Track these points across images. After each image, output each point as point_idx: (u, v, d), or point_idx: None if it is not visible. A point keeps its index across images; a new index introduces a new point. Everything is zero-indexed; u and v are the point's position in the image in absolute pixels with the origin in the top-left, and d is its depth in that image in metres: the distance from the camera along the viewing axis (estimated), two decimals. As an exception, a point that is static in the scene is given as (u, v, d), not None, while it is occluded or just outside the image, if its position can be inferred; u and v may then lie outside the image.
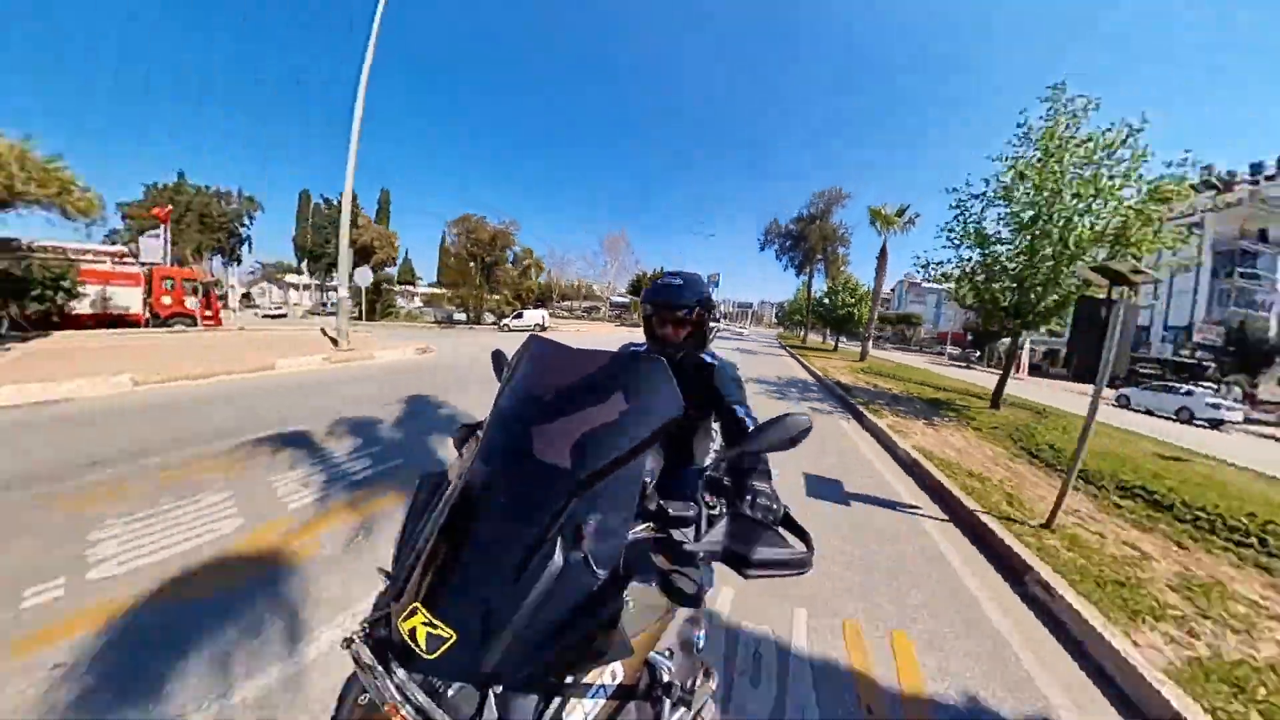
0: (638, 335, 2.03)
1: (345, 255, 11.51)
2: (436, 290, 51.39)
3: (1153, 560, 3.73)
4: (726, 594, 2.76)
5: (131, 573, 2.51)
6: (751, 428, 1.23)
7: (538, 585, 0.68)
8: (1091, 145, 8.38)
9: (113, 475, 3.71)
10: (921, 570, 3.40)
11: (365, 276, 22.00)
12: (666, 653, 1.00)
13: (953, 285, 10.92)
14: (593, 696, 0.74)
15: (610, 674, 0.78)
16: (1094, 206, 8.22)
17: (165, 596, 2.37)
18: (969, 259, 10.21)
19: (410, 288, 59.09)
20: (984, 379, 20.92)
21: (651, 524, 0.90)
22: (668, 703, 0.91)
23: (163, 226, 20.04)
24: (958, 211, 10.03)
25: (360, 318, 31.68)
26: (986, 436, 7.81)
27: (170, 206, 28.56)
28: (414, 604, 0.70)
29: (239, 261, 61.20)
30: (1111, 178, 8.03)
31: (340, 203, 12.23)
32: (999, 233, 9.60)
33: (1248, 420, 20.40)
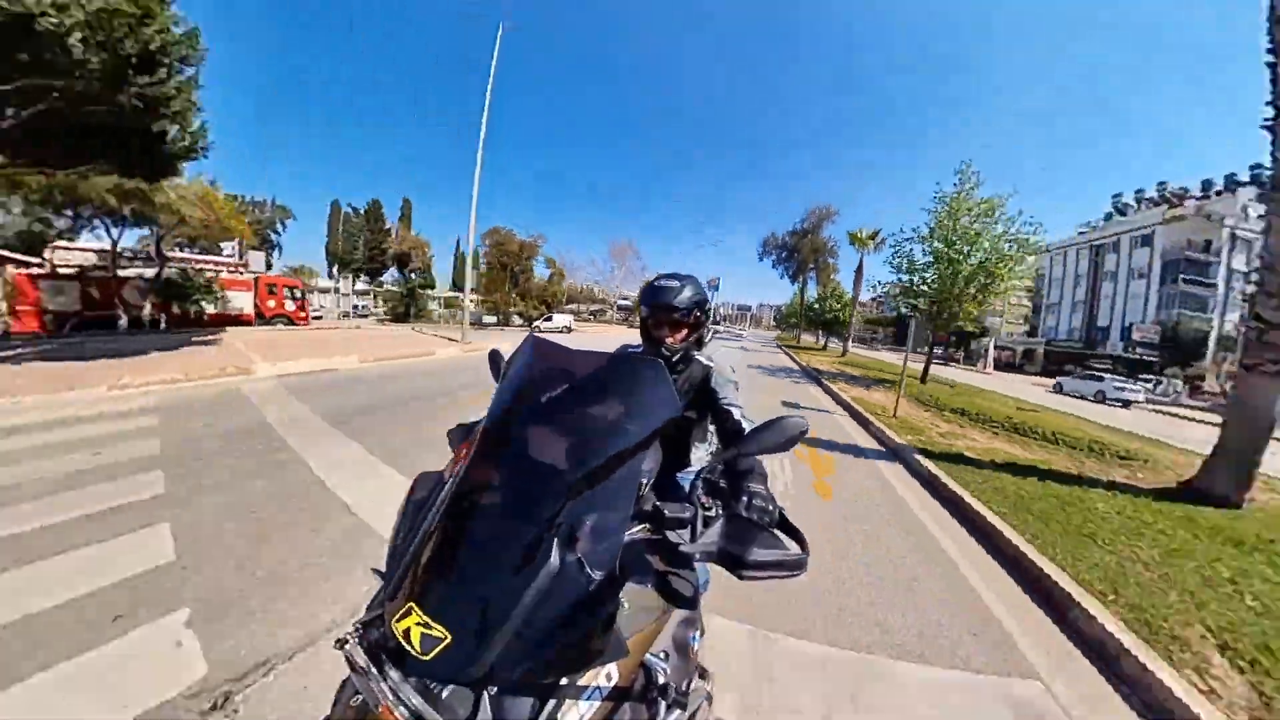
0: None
1: (469, 275, 16.09)
2: (451, 294, 55.73)
3: (938, 426, 8.29)
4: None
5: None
6: (747, 430, 1.16)
7: (533, 586, 0.68)
8: (974, 210, 12.87)
9: (409, 407, 7.44)
10: (829, 425, 8.07)
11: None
12: (662, 654, 0.95)
13: (894, 297, 15.46)
14: (588, 698, 0.73)
15: (606, 675, 0.76)
16: (971, 251, 12.72)
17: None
18: (904, 280, 14.71)
19: (430, 291, 63.64)
20: (940, 370, 25.48)
21: (647, 525, 0.90)
22: (663, 704, 0.87)
23: (240, 240, 24.57)
24: (895, 249, 14.55)
25: (400, 319, 36.28)
26: (908, 397, 12.27)
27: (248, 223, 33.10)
28: (409, 604, 0.70)
29: (269, 267, 65.88)
30: (978, 233, 12.53)
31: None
32: (924, 264, 14.10)
33: (1149, 400, 25.22)
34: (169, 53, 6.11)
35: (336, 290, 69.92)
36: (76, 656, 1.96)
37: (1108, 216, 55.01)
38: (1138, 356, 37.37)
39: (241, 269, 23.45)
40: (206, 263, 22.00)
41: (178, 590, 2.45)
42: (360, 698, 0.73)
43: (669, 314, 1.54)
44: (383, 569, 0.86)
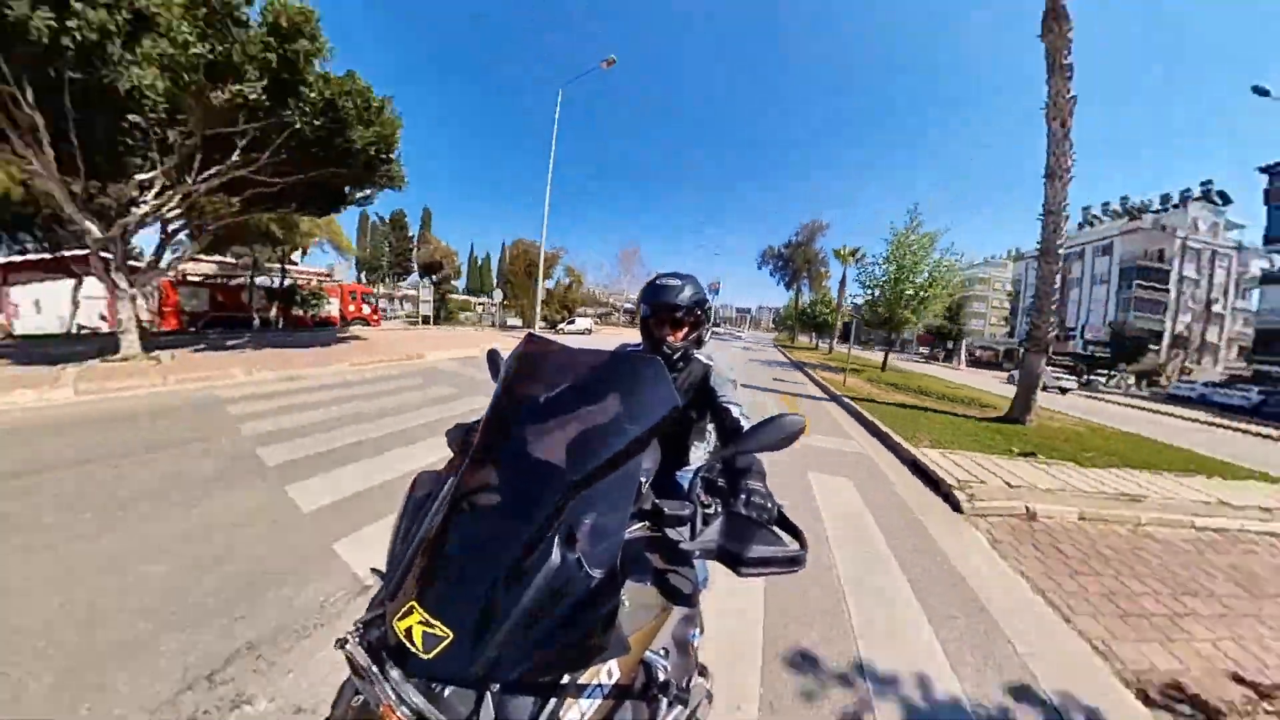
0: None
1: (540, 288, 20.37)
2: (465, 297, 59.92)
3: (870, 390, 12.59)
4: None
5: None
6: (746, 427, 1.19)
7: (534, 584, 0.68)
8: (916, 243, 17.14)
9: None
10: (801, 389, 12.33)
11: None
12: (662, 651, 0.94)
13: (863, 307, 19.78)
14: (589, 696, 0.73)
15: (607, 673, 0.76)
16: (911, 275, 17.00)
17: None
18: (868, 293, 19.00)
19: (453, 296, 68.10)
20: (919, 366, 29.73)
21: (647, 523, 0.90)
22: (664, 701, 0.87)
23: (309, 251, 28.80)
24: (860, 270, 18.87)
25: (428, 321, 40.55)
26: (865, 379, 16.55)
27: (317, 238, 37.42)
28: (410, 603, 0.70)
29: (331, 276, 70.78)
30: (917, 261, 16.80)
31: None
32: (879, 282, 18.38)
33: (1081, 387, 29.95)
34: (396, 140, 10.03)
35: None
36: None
37: (1080, 226, 59.42)
38: (1090, 353, 41.77)
39: (327, 278, 27.86)
40: (305, 273, 26.42)
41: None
42: (361, 698, 0.75)
43: (670, 313, 1.53)
44: (383, 568, 0.86)
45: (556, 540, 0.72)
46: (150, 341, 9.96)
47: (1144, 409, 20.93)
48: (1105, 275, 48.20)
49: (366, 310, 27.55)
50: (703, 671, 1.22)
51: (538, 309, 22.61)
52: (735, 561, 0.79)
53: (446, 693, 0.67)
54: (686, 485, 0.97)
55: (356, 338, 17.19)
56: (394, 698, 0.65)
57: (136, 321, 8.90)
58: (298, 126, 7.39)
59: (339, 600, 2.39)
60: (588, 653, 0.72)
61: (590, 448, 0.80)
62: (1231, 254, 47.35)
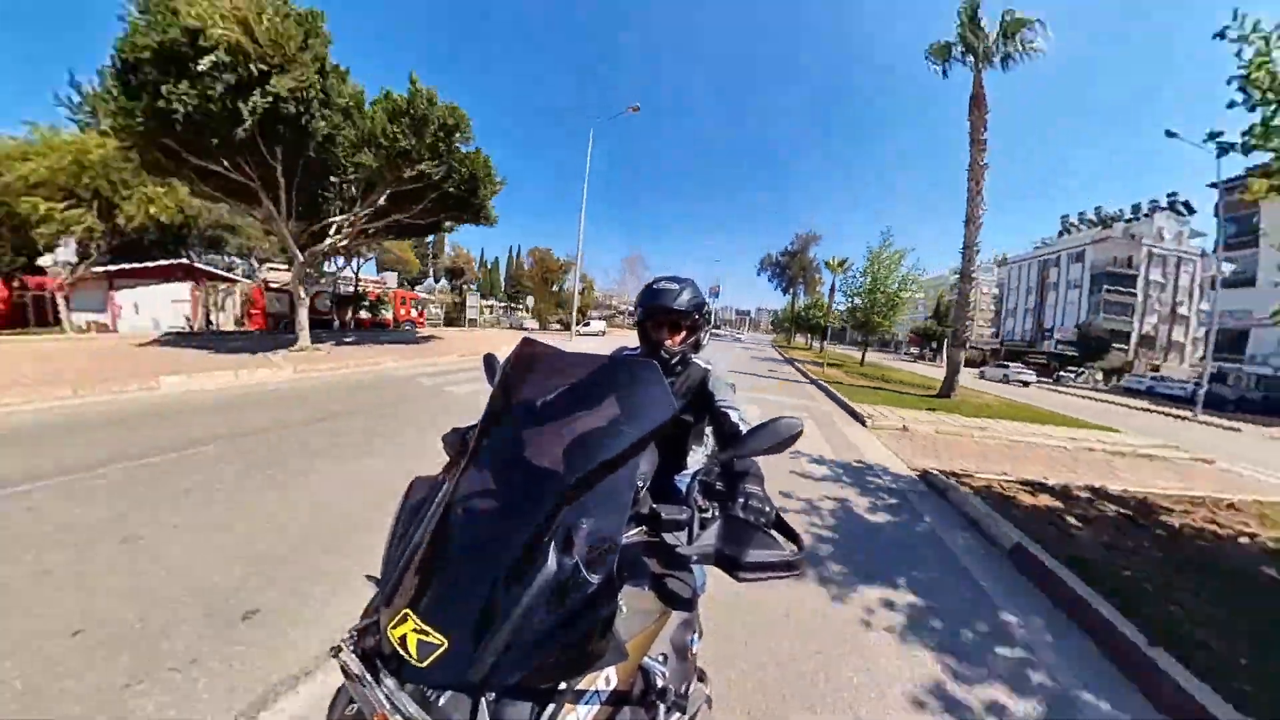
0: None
1: (576, 300, 23.92)
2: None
3: (841, 376, 16.13)
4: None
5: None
6: (744, 431, 1.20)
7: (530, 590, 0.67)
8: (889, 259, 20.71)
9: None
10: (789, 376, 15.99)
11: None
12: (660, 657, 0.95)
13: (844, 312, 23.38)
14: (587, 703, 0.73)
15: (604, 679, 0.76)
16: (884, 285, 20.58)
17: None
18: (849, 301, 22.57)
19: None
20: (894, 362, 33.33)
21: (645, 528, 0.89)
22: (662, 708, 0.88)
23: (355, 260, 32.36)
24: (844, 279, 22.43)
25: (450, 324, 44.31)
26: (841, 370, 20.12)
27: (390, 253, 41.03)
28: (404, 610, 0.69)
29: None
30: (888, 275, 20.39)
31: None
32: (859, 290, 21.95)
33: (1055, 382, 33.58)
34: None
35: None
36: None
37: (1059, 234, 62.97)
38: (1060, 352, 45.43)
39: (382, 284, 31.46)
40: (366, 280, 30.02)
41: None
42: (355, 706, 0.74)
43: (668, 316, 1.52)
44: (377, 575, 0.85)
45: (553, 545, 0.70)
46: (275, 337, 13.50)
47: (1085, 397, 24.49)
48: (1078, 280, 51.79)
49: (414, 313, 31.15)
50: (701, 677, 1.21)
51: (573, 313, 26.16)
52: (733, 566, 0.78)
53: (442, 700, 0.65)
54: (684, 489, 0.95)
55: (434, 337, 20.72)
56: (388, 706, 0.64)
57: (305, 322, 12.44)
58: (449, 190, 10.93)
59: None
60: (585, 659, 0.69)
61: (587, 452, 0.78)
62: (1195, 260, 50.97)
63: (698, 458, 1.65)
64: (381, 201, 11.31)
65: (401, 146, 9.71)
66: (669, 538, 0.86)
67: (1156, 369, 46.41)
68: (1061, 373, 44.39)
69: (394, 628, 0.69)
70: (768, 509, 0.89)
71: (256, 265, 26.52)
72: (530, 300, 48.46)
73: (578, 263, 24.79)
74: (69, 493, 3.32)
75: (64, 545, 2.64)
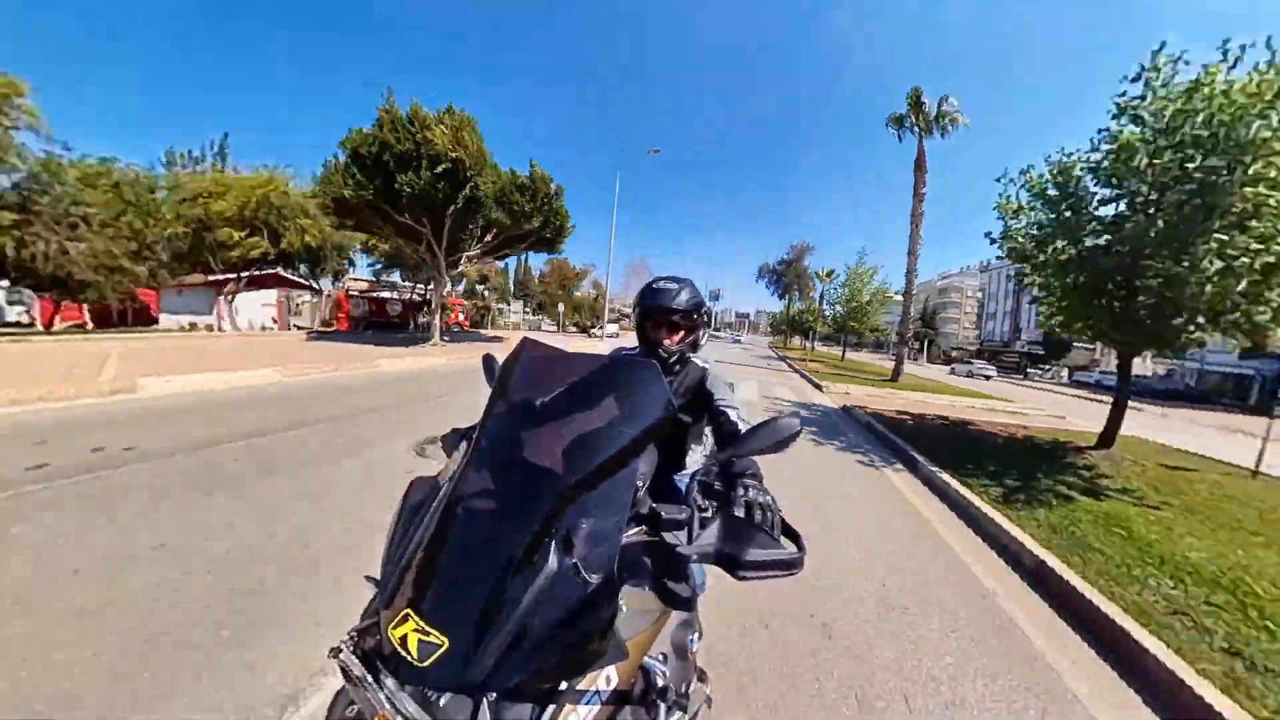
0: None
1: (607, 310, 28.56)
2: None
3: (820, 367, 20.71)
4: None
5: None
6: (742, 430, 1.20)
7: (531, 590, 0.67)
8: (864, 273, 25.34)
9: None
10: (780, 368, 20.50)
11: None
12: (660, 656, 0.96)
13: (828, 317, 28.06)
14: (588, 703, 0.73)
15: (605, 679, 0.76)
16: (859, 297, 25.23)
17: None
18: (832, 309, 27.18)
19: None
20: (878, 361, 38.03)
21: (644, 527, 0.89)
22: (663, 707, 0.88)
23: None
24: (829, 288, 27.08)
25: (475, 326, 49.06)
26: (822, 364, 24.71)
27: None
28: (405, 611, 0.70)
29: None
30: (861, 288, 25.00)
31: None
32: (839, 299, 26.58)
33: (999, 375, 38.26)
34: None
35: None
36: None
37: (1036, 242, 67.12)
38: (1028, 352, 50.21)
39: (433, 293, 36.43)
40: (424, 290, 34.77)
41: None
42: (356, 707, 0.75)
43: (667, 316, 1.52)
44: (377, 576, 0.85)
45: (553, 546, 0.70)
46: (389, 335, 18.18)
47: (1035, 387, 29.08)
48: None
49: (461, 317, 35.82)
50: (701, 676, 1.21)
51: (603, 323, 30.67)
52: (733, 565, 0.78)
53: (443, 701, 0.66)
54: (683, 489, 0.95)
55: (498, 338, 25.30)
56: (389, 707, 0.64)
57: (439, 324, 17.09)
58: (544, 234, 15.63)
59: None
60: (586, 659, 0.70)
61: (586, 452, 0.79)
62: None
63: (696, 457, 1.65)
64: (488, 238, 16.06)
65: (523, 209, 14.40)
66: (669, 537, 0.85)
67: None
68: (1031, 369, 49.14)
69: (394, 628, 0.68)
70: (767, 508, 0.88)
71: (336, 277, 31.17)
72: (537, 304, 53.38)
73: (606, 287, 29.41)
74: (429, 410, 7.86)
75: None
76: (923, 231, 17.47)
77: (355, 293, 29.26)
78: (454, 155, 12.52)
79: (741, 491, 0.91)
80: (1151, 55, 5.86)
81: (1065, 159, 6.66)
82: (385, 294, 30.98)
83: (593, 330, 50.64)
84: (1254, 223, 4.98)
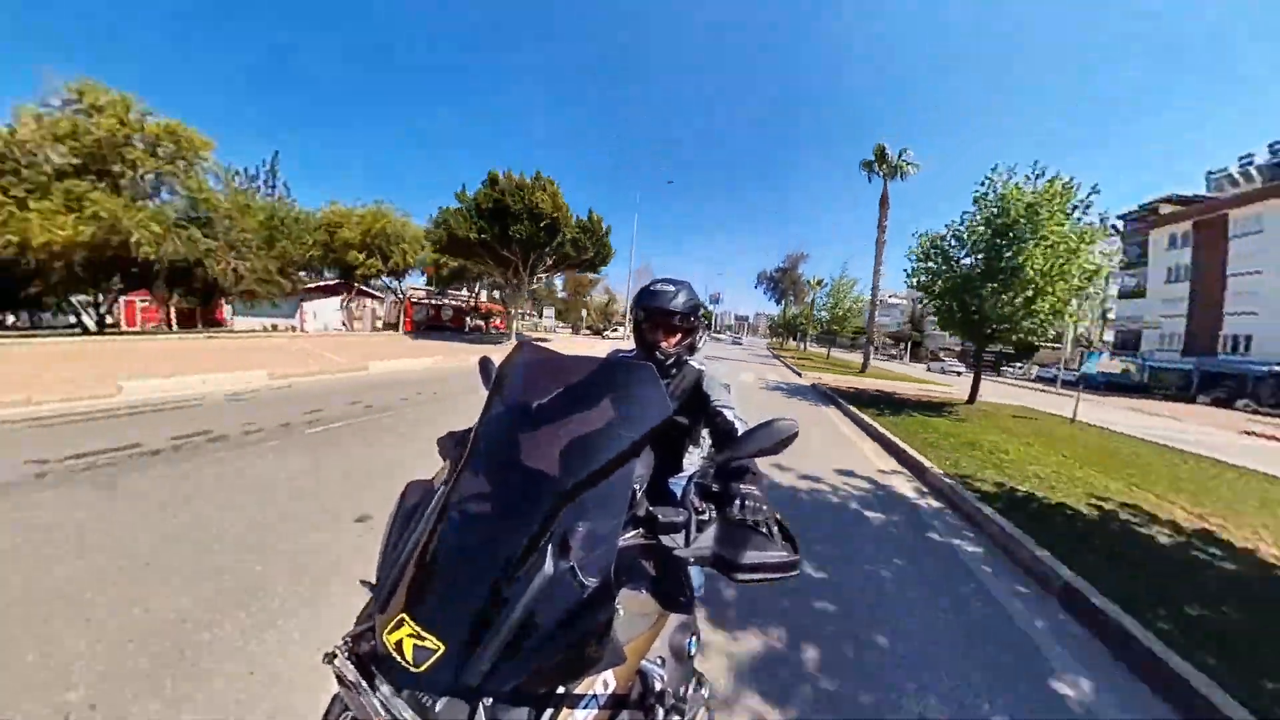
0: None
1: (627, 324, 33.21)
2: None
3: (806, 361, 25.34)
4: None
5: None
6: (740, 431, 1.19)
7: (527, 594, 0.67)
8: (846, 284, 30.00)
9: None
10: (774, 363, 25.09)
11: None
12: (658, 660, 0.95)
13: (821, 322, 32.79)
14: (585, 707, 0.72)
15: (603, 683, 0.75)
16: (841, 305, 29.90)
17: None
18: (820, 315, 31.82)
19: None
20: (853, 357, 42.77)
21: (641, 530, 0.88)
22: (661, 711, 0.87)
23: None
24: (819, 295, 31.77)
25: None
26: (813, 361, 29.28)
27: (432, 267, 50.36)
28: (400, 615, 0.69)
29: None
30: (843, 298, 29.61)
31: None
32: (825, 306, 31.21)
33: (963, 371, 42.62)
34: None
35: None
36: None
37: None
38: (1001, 350, 55.02)
39: (474, 299, 40.97)
40: (466, 296, 39.59)
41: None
42: (350, 713, 0.74)
43: (665, 318, 1.52)
44: (372, 580, 0.84)
45: (549, 549, 0.70)
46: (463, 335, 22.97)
47: (997, 381, 33.65)
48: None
49: (496, 321, 40.48)
50: (700, 680, 1.21)
51: (623, 328, 35.41)
52: (730, 568, 0.77)
53: (438, 706, 0.64)
54: (681, 491, 0.94)
55: (544, 339, 29.96)
56: (384, 713, 0.63)
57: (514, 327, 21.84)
58: (595, 260, 20.40)
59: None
60: (583, 663, 0.69)
61: (583, 455, 0.78)
62: (1120, 274, 60.40)
63: (694, 459, 1.65)
64: (551, 262, 20.86)
65: (585, 244, 19.14)
66: (666, 540, 0.84)
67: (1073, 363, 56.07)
68: (1005, 367, 53.71)
69: (389, 633, 0.67)
70: (764, 511, 0.88)
71: (399, 284, 36.03)
72: (555, 311, 58.45)
73: (625, 292, 34.03)
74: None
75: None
76: (886, 253, 22.12)
77: (417, 300, 34.00)
78: (554, 215, 18.12)
79: (738, 494, 0.90)
80: (991, 170, 10.46)
81: (939, 231, 11.27)
82: (441, 301, 35.77)
83: (605, 332, 55.51)
84: (1022, 275, 9.53)
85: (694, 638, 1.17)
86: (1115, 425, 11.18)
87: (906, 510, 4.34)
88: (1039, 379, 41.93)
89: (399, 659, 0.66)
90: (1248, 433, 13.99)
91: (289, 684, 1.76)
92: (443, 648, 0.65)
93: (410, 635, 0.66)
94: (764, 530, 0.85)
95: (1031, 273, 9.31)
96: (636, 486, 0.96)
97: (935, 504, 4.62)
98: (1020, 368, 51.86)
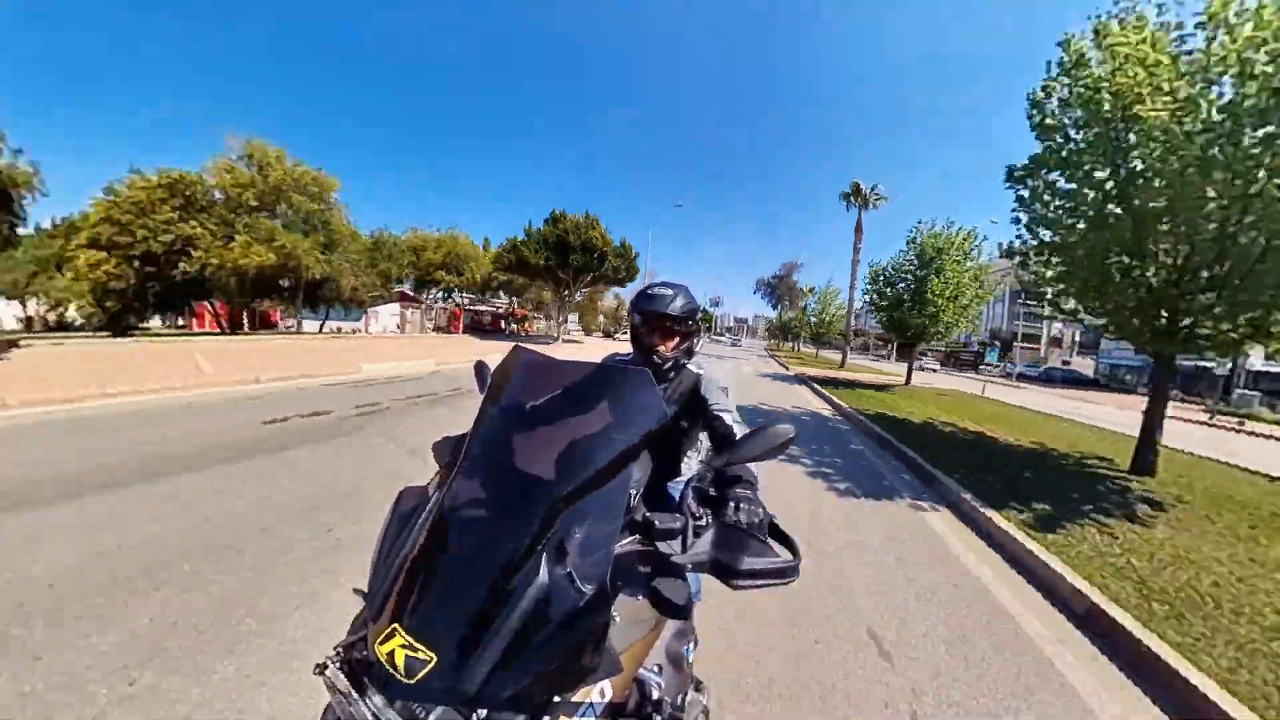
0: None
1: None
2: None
3: (796, 360, 29.88)
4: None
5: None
6: (737, 433, 1.23)
7: (522, 602, 0.65)
8: (830, 294, 34.56)
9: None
10: (769, 361, 29.58)
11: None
12: (655, 668, 0.92)
13: (808, 325, 37.38)
14: (582, 716, 0.70)
15: (599, 692, 0.73)
16: (827, 311, 34.49)
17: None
18: (809, 320, 36.37)
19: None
20: (852, 359, 47.38)
21: (638, 536, 0.87)
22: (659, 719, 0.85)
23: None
24: (809, 302, 36.35)
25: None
26: (802, 360, 33.79)
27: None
28: (392, 625, 0.67)
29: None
30: (827, 305, 34.20)
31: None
32: (813, 312, 35.77)
33: (938, 368, 47.24)
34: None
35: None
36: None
37: (1000, 257, 76.53)
38: (980, 351, 59.56)
39: (512, 307, 45.76)
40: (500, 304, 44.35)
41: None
42: None
43: (662, 321, 1.49)
44: (365, 589, 0.82)
45: (545, 555, 0.69)
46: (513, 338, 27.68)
47: (968, 377, 37.98)
48: (1001, 295, 65.94)
49: (526, 325, 45.23)
50: (698, 687, 1.19)
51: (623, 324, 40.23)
52: (728, 574, 0.76)
53: (431, 717, 0.62)
54: (678, 497, 0.92)
55: (575, 340, 34.48)
56: None
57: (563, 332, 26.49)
58: (623, 277, 24.94)
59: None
60: (579, 672, 0.67)
61: (579, 460, 0.77)
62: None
63: (691, 464, 1.63)
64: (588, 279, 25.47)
65: (619, 265, 23.72)
66: (663, 546, 0.84)
67: (1068, 362, 60.42)
68: (984, 365, 58.05)
69: (381, 643, 0.66)
70: (761, 516, 0.87)
71: (446, 295, 40.90)
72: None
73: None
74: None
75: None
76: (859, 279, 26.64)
77: (465, 307, 38.82)
78: (604, 248, 22.61)
79: (734, 499, 0.89)
80: (918, 222, 15.00)
81: (885, 262, 15.83)
82: (482, 308, 40.57)
83: (616, 335, 60.18)
84: (930, 296, 14.12)
85: (691, 644, 1.15)
86: (1025, 403, 15.43)
87: (823, 419, 8.91)
88: (1006, 374, 46.39)
89: (391, 670, 0.64)
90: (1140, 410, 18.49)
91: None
92: (435, 658, 0.63)
93: (402, 645, 0.64)
94: (761, 535, 0.84)
95: (933, 295, 13.87)
96: (633, 492, 0.90)
97: (838, 418, 9.22)
98: (996, 366, 56.39)
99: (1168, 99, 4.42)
